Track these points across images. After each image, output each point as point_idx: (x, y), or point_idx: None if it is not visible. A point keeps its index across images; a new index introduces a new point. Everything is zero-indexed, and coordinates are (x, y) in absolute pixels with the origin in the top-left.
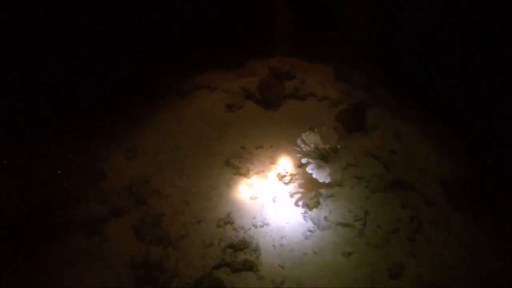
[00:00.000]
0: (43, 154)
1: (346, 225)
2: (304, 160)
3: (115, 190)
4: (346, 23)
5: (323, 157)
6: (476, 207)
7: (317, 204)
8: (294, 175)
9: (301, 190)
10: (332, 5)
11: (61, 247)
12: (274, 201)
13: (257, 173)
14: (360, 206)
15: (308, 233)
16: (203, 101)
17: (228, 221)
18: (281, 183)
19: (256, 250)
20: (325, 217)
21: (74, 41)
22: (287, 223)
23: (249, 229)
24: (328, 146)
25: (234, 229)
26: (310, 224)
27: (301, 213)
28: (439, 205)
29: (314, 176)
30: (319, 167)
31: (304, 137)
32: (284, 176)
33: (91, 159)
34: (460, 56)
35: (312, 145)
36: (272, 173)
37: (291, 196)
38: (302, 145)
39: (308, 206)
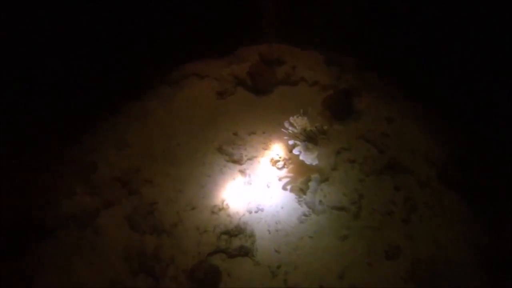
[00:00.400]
0: (30, 149)
1: (341, 208)
2: (291, 142)
3: (106, 182)
4: (334, 7)
5: (311, 139)
6: (468, 186)
7: (311, 189)
8: (288, 160)
9: (295, 175)
10: None
11: (52, 242)
12: (268, 186)
13: (250, 159)
14: (354, 189)
15: (303, 217)
16: (193, 89)
17: (222, 207)
18: (274, 168)
19: (251, 235)
20: (320, 201)
21: (59, 32)
22: (281, 208)
23: (244, 215)
24: (314, 127)
25: (228, 216)
26: (305, 209)
27: (296, 197)
28: (432, 186)
29: (301, 158)
30: (306, 149)
31: (292, 120)
32: (278, 161)
33: (81, 152)
34: (451, 38)
35: (299, 128)
36: (265, 159)
37: (285, 181)
38: (290, 128)
39: (302, 191)
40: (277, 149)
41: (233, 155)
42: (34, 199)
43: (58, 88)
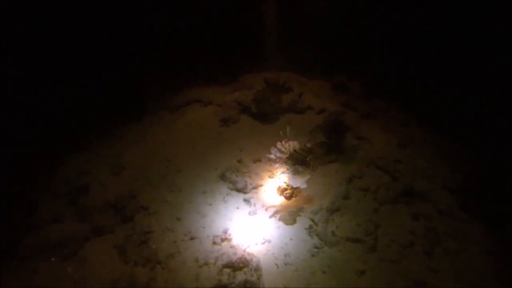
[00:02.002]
0: (17, 164)
1: (356, 240)
2: (276, 165)
3: (98, 207)
4: (339, 35)
5: (301, 162)
6: (492, 213)
7: (322, 219)
8: (296, 188)
9: (304, 204)
10: (323, 18)
11: (30, 275)
12: (275, 216)
13: (255, 188)
14: (369, 219)
15: (315, 250)
16: (196, 115)
17: (225, 238)
18: (281, 198)
19: (257, 269)
20: (332, 232)
21: (67, 53)
22: (290, 239)
23: (249, 246)
24: (300, 148)
25: (231, 247)
26: (316, 241)
27: (306, 228)
28: (453, 215)
29: (290, 182)
30: (296, 172)
31: (279, 146)
32: (285, 189)
33: (72, 174)
34: (458, 61)
35: (288, 151)
36: (271, 187)
37: (294, 211)
38: (278, 154)
39: (313, 221)
40: (284, 177)
41: (237, 183)
42: (13, 223)
43: (55, 106)
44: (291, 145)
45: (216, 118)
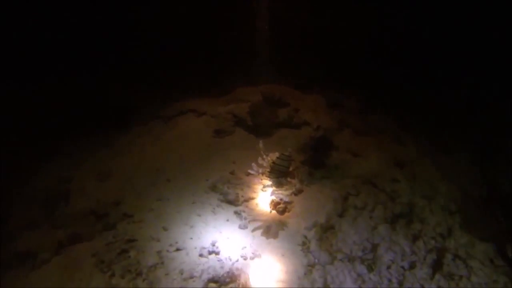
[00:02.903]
0: None
1: (352, 259)
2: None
3: (78, 214)
4: (334, 51)
5: (282, 174)
6: (495, 233)
7: (316, 236)
8: (290, 203)
9: (297, 220)
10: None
11: None
12: (267, 231)
13: (247, 200)
14: (366, 238)
15: (308, 267)
16: (188, 126)
17: (212, 250)
18: (274, 212)
19: (245, 286)
20: (327, 250)
21: (61, 58)
22: (282, 255)
23: (237, 261)
24: (276, 158)
25: (219, 260)
26: (310, 258)
27: (299, 245)
28: (455, 236)
29: (273, 197)
30: (279, 185)
31: (260, 161)
32: (278, 204)
33: (53, 179)
34: (458, 77)
35: (267, 165)
36: (264, 201)
37: (287, 226)
38: (259, 169)
39: (306, 238)
40: (278, 191)
41: (228, 194)
42: None
43: (41, 111)
44: (271, 158)
45: (210, 129)
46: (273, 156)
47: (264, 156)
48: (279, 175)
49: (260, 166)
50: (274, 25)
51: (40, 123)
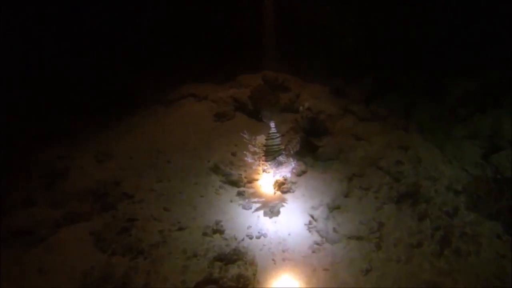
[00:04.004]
0: None
1: (359, 237)
2: (265, 168)
3: (76, 193)
4: (338, 39)
5: (278, 153)
6: (502, 211)
7: (322, 215)
8: (294, 183)
9: (303, 199)
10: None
11: None
12: (271, 211)
13: (250, 182)
14: (372, 217)
15: (316, 246)
16: (190, 110)
17: (217, 229)
18: (279, 192)
19: (252, 263)
20: (334, 229)
21: (65, 44)
22: (289, 234)
23: (243, 239)
24: (265, 139)
25: (224, 239)
26: (316, 237)
27: (305, 224)
28: (461, 215)
29: (280, 176)
30: (279, 164)
31: (251, 149)
32: (283, 184)
33: (52, 157)
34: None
35: (261, 149)
36: (268, 182)
37: (292, 206)
38: (253, 156)
39: (312, 217)
40: (282, 169)
41: (230, 175)
42: None
43: (46, 94)
44: (259, 142)
45: (211, 114)
46: (261, 139)
47: (254, 143)
48: (275, 154)
49: (254, 153)
50: (281, 13)
51: (41, 103)
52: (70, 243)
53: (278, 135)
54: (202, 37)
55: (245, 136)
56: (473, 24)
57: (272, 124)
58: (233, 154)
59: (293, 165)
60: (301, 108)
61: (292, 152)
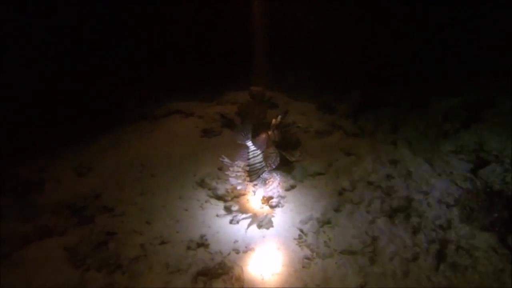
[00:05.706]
0: None
1: (352, 252)
2: (254, 189)
3: (51, 206)
4: (324, 55)
5: (261, 171)
6: (495, 223)
7: (312, 229)
8: (283, 197)
9: (291, 214)
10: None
11: None
12: (260, 226)
13: (237, 196)
14: (364, 231)
15: (306, 261)
16: (176, 125)
17: (201, 243)
18: (267, 207)
19: (239, 279)
20: (325, 243)
21: (53, 58)
22: (277, 249)
23: (229, 254)
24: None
25: (209, 253)
26: (306, 251)
27: (295, 238)
28: (455, 228)
29: (267, 194)
30: (264, 182)
31: (232, 174)
32: (271, 198)
33: (26, 170)
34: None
35: (243, 170)
36: (256, 196)
37: (280, 220)
38: (238, 180)
39: (302, 231)
40: (269, 186)
41: (217, 189)
42: None
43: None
44: (240, 165)
45: (198, 129)
46: (242, 162)
47: (235, 167)
48: (259, 172)
49: (238, 177)
50: (268, 29)
51: (24, 115)
52: (39, 259)
53: (258, 152)
54: (190, 54)
55: (225, 160)
56: (456, 39)
57: (249, 143)
58: (220, 169)
59: (278, 179)
60: (273, 121)
61: (273, 167)
